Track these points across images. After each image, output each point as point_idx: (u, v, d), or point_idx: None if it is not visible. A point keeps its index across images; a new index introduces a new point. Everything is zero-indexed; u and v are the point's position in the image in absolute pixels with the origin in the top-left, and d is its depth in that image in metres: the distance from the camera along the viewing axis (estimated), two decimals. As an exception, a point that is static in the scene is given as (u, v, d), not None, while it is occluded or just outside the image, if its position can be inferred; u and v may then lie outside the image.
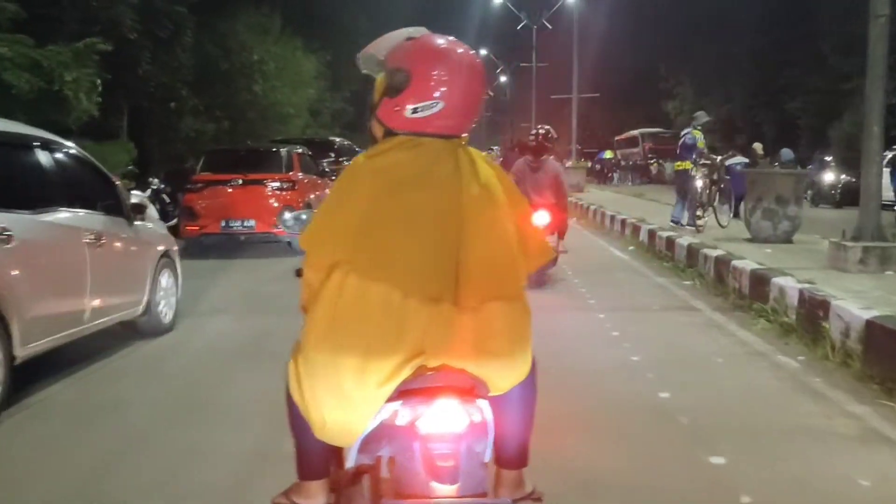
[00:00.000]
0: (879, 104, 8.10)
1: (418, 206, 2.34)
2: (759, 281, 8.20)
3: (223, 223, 13.19)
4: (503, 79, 73.64)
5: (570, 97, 40.54)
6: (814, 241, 11.61)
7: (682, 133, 14.44)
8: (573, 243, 11.66)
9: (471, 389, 2.36)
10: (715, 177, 14.30)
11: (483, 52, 69.95)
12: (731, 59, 49.58)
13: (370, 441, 2.39)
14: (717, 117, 53.98)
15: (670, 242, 12.13)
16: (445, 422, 2.32)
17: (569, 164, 45.23)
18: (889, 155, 24.01)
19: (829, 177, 27.28)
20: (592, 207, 20.36)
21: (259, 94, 29.94)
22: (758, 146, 20.38)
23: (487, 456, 2.46)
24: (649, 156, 53.28)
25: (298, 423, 2.45)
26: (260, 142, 22.71)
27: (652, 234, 13.49)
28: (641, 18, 56.77)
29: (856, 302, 6.46)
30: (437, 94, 2.38)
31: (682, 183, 14.14)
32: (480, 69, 2.50)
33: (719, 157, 16.26)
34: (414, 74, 2.40)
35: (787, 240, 11.29)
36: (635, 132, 57.05)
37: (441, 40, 2.47)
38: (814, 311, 6.76)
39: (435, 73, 2.39)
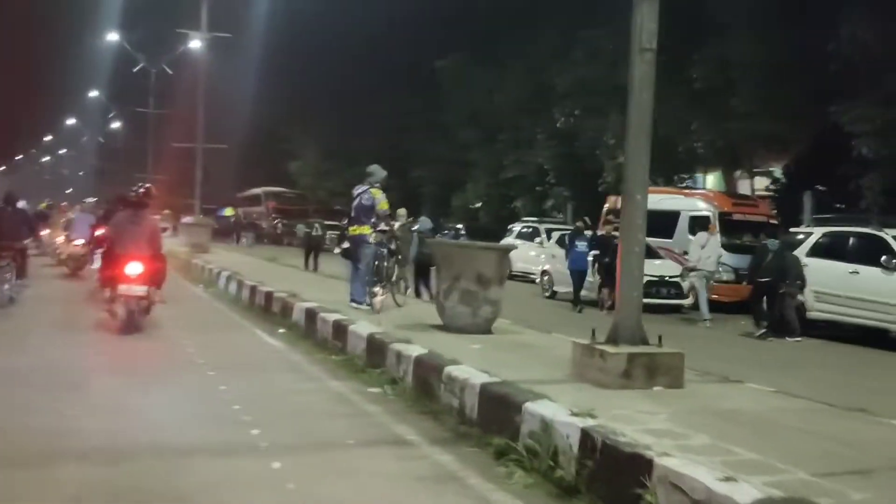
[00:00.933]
0: (643, 165, 6.08)
1: None
2: (499, 404, 5.71)
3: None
4: (116, 124, 67.03)
5: (194, 147, 36.63)
6: (518, 331, 9.61)
7: (357, 191, 11.48)
8: (206, 320, 11.94)
9: None
10: (393, 246, 11.80)
11: (94, 93, 63.45)
12: (355, 124, 49.03)
13: None
14: (343, 181, 53.55)
15: (340, 328, 9.36)
16: None
17: (188, 219, 41.01)
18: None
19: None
20: (225, 274, 17.00)
21: None
22: (402, 212, 18.61)
23: None
24: (273, 216, 50.84)
25: None
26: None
27: (311, 313, 10.63)
28: (265, 76, 54.55)
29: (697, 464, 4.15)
30: None
31: (356, 251, 11.30)
32: None
33: (398, 224, 14.19)
34: None
35: (488, 329, 9.05)
36: (258, 190, 54.40)
37: None
38: (617, 466, 4.36)
39: None
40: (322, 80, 49.99)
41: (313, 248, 22.91)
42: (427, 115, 40.85)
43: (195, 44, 38.12)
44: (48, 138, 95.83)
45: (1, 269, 12.44)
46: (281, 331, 11.03)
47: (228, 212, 60.16)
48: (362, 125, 48.03)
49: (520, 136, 33.70)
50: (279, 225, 48.36)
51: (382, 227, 11.32)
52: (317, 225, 23.51)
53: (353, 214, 11.33)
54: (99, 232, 15.18)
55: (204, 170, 78.77)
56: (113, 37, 43.61)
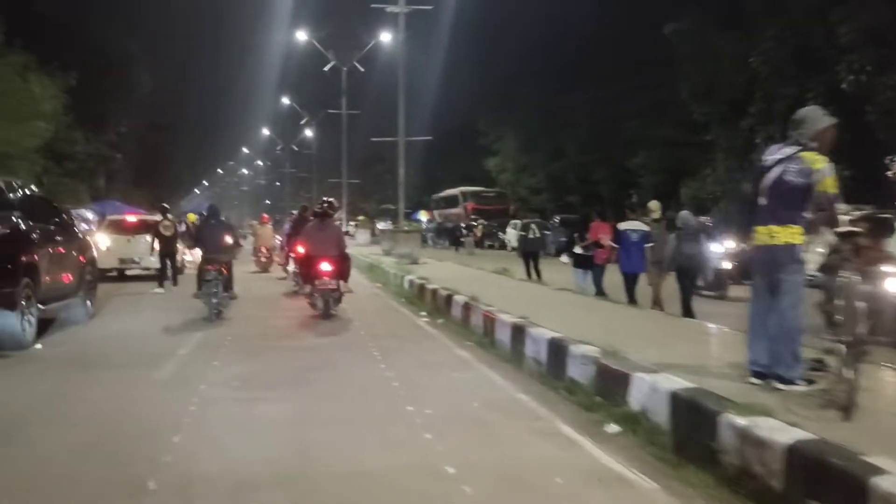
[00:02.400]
0: None
1: None
2: None
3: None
4: (308, 133, 65.10)
5: (385, 146, 32.66)
6: None
7: (770, 158, 5.25)
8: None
9: None
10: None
11: (285, 101, 61.89)
12: (560, 112, 43.61)
13: None
14: (546, 177, 48.56)
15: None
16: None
17: (383, 225, 37.27)
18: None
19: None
20: (459, 300, 11.57)
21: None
22: (655, 205, 13.47)
23: None
24: (472, 217, 46.41)
25: None
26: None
27: (745, 434, 4.63)
28: (458, 65, 50.18)
29: None
30: None
31: (770, 272, 5.31)
32: None
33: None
34: None
35: None
36: (455, 190, 50.12)
37: None
38: None
39: None
40: (522, 65, 44.92)
41: (531, 254, 18.22)
42: (649, 95, 34.81)
43: (386, 37, 34.50)
44: (245, 150, 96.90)
45: (208, 284, 11.85)
46: (612, 429, 5.76)
47: (423, 215, 56.58)
48: (568, 113, 42.56)
49: (776, 107, 27.03)
50: (479, 227, 43.70)
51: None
52: (533, 226, 18.54)
53: (765, 201, 5.51)
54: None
55: (393, 175, 75.89)
56: (301, 36, 40.41)
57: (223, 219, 13.96)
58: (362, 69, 41.76)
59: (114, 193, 39.06)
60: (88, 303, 12.19)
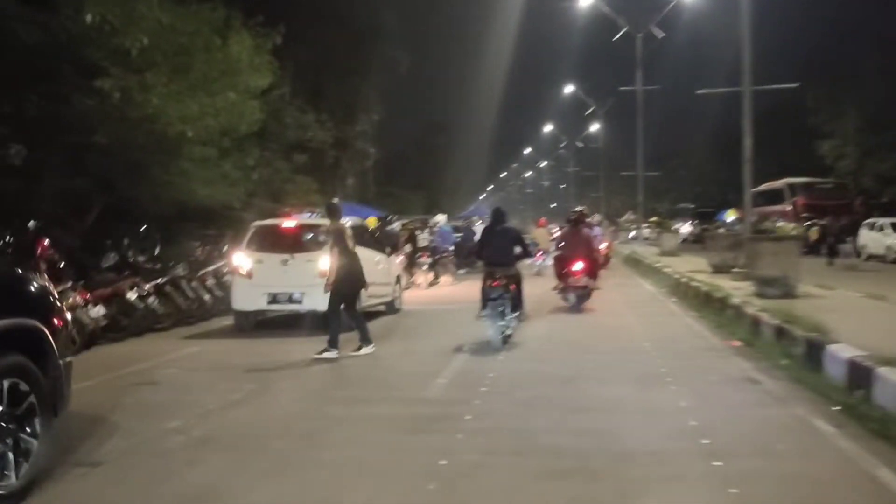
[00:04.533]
0: None
1: None
2: None
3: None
4: (594, 127, 57.11)
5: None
6: None
7: None
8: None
9: None
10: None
11: (569, 90, 54.64)
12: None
13: None
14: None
15: None
16: None
17: (686, 228, 28.46)
18: None
19: None
20: None
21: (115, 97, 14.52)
22: None
23: None
24: (804, 215, 35.56)
25: None
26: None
27: None
28: (776, 28, 39.22)
29: None
30: None
31: None
32: None
33: None
34: None
35: None
36: (779, 183, 39.06)
37: None
38: None
39: None
40: (865, 22, 33.64)
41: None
42: None
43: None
44: (527, 151, 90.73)
45: (493, 303, 9.87)
46: None
47: (731, 214, 46.43)
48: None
49: None
50: (815, 228, 32.85)
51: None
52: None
53: None
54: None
55: (692, 168, 64.41)
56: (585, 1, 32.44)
57: (509, 225, 11.44)
58: (661, 34, 32.95)
59: (369, 194, 33.72)
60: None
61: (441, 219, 22.41)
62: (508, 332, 10.01)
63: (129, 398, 7.30)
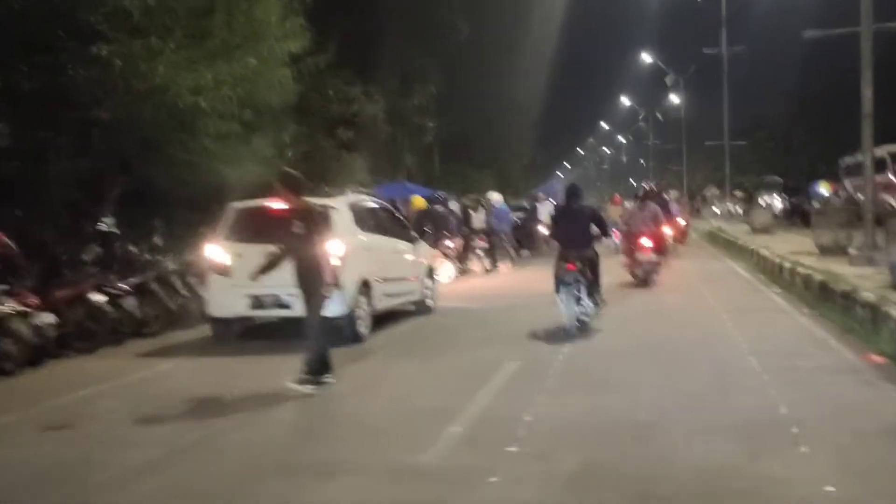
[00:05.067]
0: None
1: None
2: None
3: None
4: (674, 98, 53.58)
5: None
6: None
7: None
8: None
9: None
10: None
11: (647, 58, 51.14)
12: None
13: None
14: None
15: None
16: None
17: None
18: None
19: None
20: None
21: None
22: None
23: None
24: (910, 187, 31.64)
25: None
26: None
27: None
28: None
29: None
30: None
31: None
32: None
33: None
34: None
35: None
36: (881, 150, 35.02)
37: None
38: None
39: None
40: None
41: None
42: None
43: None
44: (604, 125, 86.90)
45: (566, 288, 9.06)
46: None
47: (823, 186, 42.45)
48: None
49: None
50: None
51: None
52: None
53: None
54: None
55: (779, 139, 59.88)
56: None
57: (585, 203, 10.49)
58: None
59: (434, 173, 31.38)
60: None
61: (496, 197, 19.80)
62: (585, 318, 9.21)
63: (17, 453, 5.23)
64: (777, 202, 46.96)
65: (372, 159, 22.20)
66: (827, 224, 16.20)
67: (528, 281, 14.37)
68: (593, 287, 9.42)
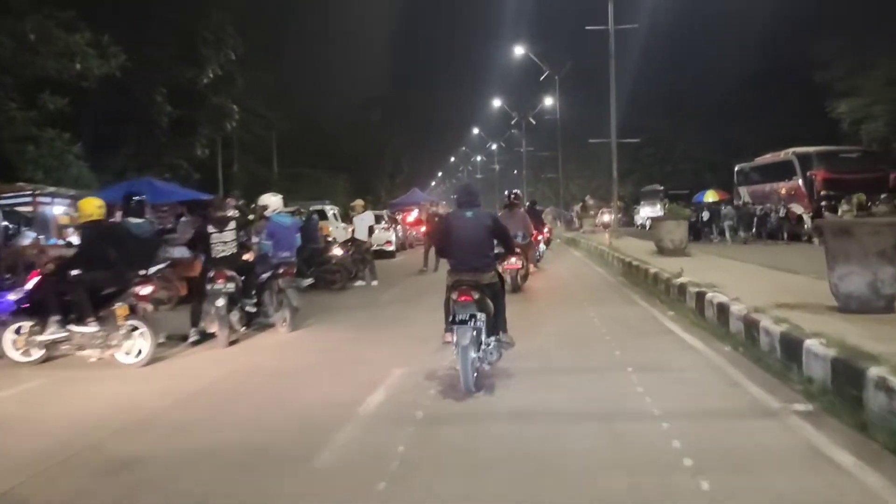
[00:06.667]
0: None
1: None
2: None
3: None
4: (549, 100, 48.23)
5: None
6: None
7: None
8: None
9: None
10: None
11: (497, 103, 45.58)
12: None
13: None
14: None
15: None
16: None
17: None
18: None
19: None
20: None
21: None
22: None
23: None
24: (823, 193, 26.75)
25: None
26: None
27: None
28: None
29: None
30: None
31: None
32: None
33: None
34: None
35: None
36: (786, 153, 30.11)
37: None
38: None
39: None
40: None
41: None
42: None
43: None
44: (476, 132, 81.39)
45: (461, 328, 7.00)
46: None
47: (710, 196, 38.04)
48: None
49: None
50: (848, 209, 24.13)
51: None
52: None
53: None
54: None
55: (659, 143, 55.90)
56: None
57: (484, 210, 7.76)
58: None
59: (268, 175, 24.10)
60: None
61: (273, 202, 11.78)
62: (486, 365, 7.03)
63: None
64: (658, 212, 42.31)
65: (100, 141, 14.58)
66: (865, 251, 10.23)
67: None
68: (497, 322, 7.08)
